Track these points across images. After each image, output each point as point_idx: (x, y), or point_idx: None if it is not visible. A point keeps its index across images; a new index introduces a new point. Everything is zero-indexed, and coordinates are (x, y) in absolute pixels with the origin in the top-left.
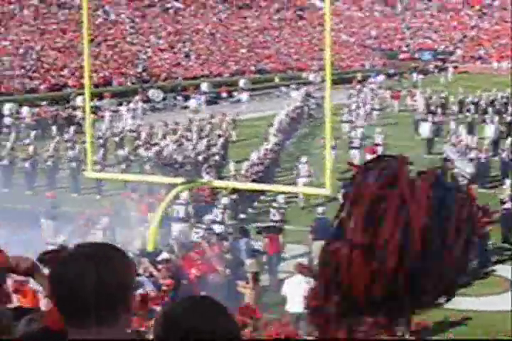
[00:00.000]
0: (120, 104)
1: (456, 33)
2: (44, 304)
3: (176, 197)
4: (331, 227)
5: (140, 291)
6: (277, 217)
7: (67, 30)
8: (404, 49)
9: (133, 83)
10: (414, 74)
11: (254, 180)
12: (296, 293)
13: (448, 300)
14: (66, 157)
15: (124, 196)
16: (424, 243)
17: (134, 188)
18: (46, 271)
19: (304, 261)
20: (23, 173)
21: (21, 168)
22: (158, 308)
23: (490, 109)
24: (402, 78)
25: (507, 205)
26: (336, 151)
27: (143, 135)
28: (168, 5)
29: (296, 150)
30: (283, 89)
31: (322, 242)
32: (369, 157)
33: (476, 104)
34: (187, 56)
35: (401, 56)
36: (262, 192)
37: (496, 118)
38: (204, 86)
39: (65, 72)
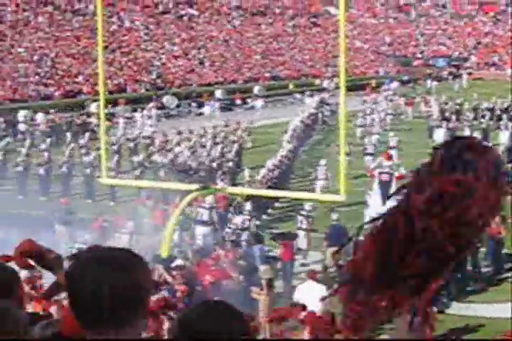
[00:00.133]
0: (134, 111)
1: (471, 39)
2: (55, 310)
3: (190, 202)
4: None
5: (155, 297)
6: (305, 225)
7: (81, 37)
8: (419, 56)
9: (147, 90)
10: (429, 81)
11: (268, 187)
12: (307, 299)
13: None
14: (80, 163)
15: (138, 202)
16: None
17: (148, 195)
18: None
19: (318, 267)
20: (37, 180)
21: (36, 174)
22: (172, 314)
23: (504, 116)
24: (416, 85)
25: None
26: (349, 157)
27: (157, 141)
28: (183, 12)
29: (309, 157)
30: (297, 95)
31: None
32: (386, 163)
33: (491, 111)
34: (201, 63)
35: (415, 63)
36: (276, 198)
37: (511, 124)
38: (218, 93)
39: (80, 78)
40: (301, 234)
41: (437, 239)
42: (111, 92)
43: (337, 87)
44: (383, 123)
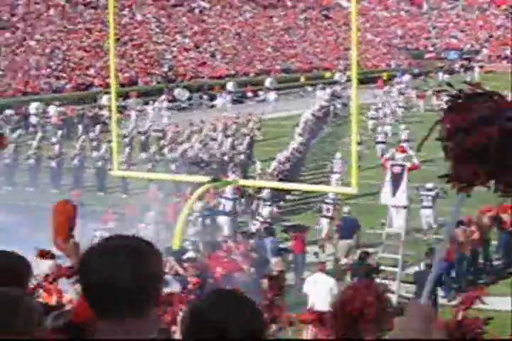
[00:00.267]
0: (146, 104)
1: (482, 32)
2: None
3: (201, 196)
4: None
5: (167, 290)
6: (331, 213)
7: (93, 29)
8: (430, 48)
9: (158, 82)
10: (440, 74)
11: (279, 179)
12: (315, 291)
13: None
14: (92, 156)
15: (149, 195)
16: None
17: (159, 187)
18: None
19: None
20: (48, 172)
21: (47, 166)
22: (183, 307)
23: None
24: (427, 78)
25: None
26: (360, 148)
27: (169, 134)
28: (194, 4)
29: (321, 149)
30: (308, 88)
31: (348, 241)
32: (399, 156)
33: None
34: (213, 55)
35: (427, 55)
36: (288, 191)
37: None
38: (230, 85)
39: (91, 71)
40: (324, 222)
41: None
42: (122, 85)
43: (348, 80)
44: (395, 116)
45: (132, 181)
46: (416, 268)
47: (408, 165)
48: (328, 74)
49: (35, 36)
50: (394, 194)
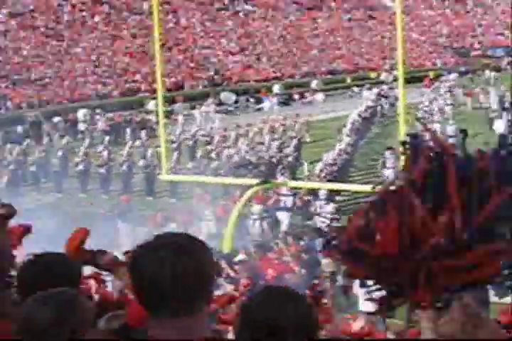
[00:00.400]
0: (193, 108)
1: None
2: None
3: (251, 197)
4: None
5: (218, 292)
6: None
7: (138, 35)
8: (476, 46)
9: (205, 86)
10: (487, 71)
11: (329, 181)
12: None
13: None
14: (140, 161)
15: (198, 198)
16: None
17: (208, 190)
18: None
19: None
20: (97, 178)
21: (96, 172)
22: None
23: None
24: (474, 76)
25: None
26: None
27: (216, 138)
28: (239, 8)
29: (369, 150)
30: (355, 89)
31: None
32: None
33: None
34: (258, 58)
35: (473, 53)
36: (338, 192)
37: None
38: (276, 88)
39: (138, 77)
40: None
41: None
42: (169, 90)
43: (395, 80)
44: (443, 114)
45: (181, 185)
46: None
47: None
48: (373, 74)
49: (80, 43)
50: None
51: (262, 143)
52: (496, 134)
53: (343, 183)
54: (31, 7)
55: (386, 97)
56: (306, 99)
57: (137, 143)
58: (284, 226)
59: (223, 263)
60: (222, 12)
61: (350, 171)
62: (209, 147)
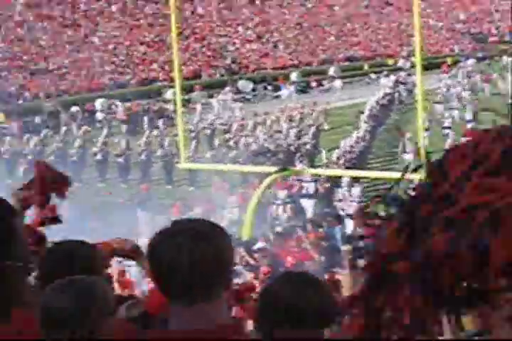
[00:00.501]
0: (211, 96)
1: None
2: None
3: (270, 185)
4: None
5: (237, 280)
6: None
7: (154, 24)
8: (494, 32)
9: (222, 75)
10: (505, 57)
11: (347, 168)
12: None
13: None
14: (158, 150)
15: (217, 186)
16: None
17: (227, 179)
18: None
19: None
20: (116, 168)
21: (114, 162)
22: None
23: None
24: (492, 61)
25: None
26: (427, 134)
27: (234, 126)
28: None
29: (387, 137)
30: (372, 76)
31: None
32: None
33: None
34: (275, 46)
35: (490, 39)
36: (357, 179)
37: None
38: (293, 75)
39: (155, 66)
40: None
41: None
42: (186, 78)
43: (412, 66)
44: (460, 100)
45: (200, 174)
46: None
47: None
48: (391, 61)
49: (97, 33)
50: None
51: (280, 131)
52: None
53: (362, 170)
54: None
55: (404, 84)
56: (324, 87)
57: (155, 132)
58: (309, 214)
59: (242, 251)
60: (238, 0)
61: (368, 158)
62: (227, 135)
